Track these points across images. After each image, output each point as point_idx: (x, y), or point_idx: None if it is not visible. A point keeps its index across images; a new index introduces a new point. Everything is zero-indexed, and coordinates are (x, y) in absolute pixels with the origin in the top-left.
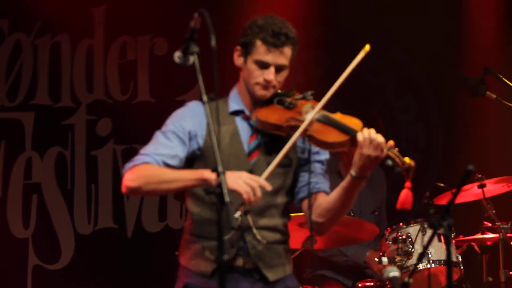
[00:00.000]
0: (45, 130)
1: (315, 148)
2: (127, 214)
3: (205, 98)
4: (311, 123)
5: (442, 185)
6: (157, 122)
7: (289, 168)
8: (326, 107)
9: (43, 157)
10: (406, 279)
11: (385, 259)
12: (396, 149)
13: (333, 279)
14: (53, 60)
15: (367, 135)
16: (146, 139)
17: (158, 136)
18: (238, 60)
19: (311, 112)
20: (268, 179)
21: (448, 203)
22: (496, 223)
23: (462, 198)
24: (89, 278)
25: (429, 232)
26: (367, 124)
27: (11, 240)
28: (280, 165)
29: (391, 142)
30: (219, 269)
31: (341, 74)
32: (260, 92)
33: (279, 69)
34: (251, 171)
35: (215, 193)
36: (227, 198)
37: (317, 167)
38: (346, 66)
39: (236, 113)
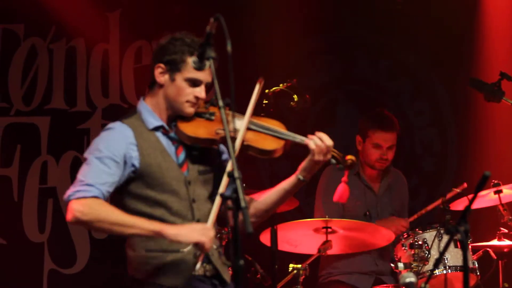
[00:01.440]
0: (61, 134)
1: (225, 149)
2: None
3: (221, 103)
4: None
5: (458, 190)
6: None
7: (214, 174)
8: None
9: (58, 162)
10: (422, 284)
11: (401, 265)
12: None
13: (349, 285)
14: (68, 64)
15: (319, 142)
16: None
17: (94, 162)
18: (161, 77)
19: (237, 121)
20: (203, 186)
21: (465, 209)
22: None
23: (478, 204)
24: (104, 282)
25: (445, 238)
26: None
27: (27, 244)
28: (208, 171)
29: (331, 143)
30: (234, 273)
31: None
32: (189, 109)
33: (206, 86)
34: (189, 182)
35: (231, 199)
36: (243, 203)
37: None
38: (358, 71)
39: (156, 128)
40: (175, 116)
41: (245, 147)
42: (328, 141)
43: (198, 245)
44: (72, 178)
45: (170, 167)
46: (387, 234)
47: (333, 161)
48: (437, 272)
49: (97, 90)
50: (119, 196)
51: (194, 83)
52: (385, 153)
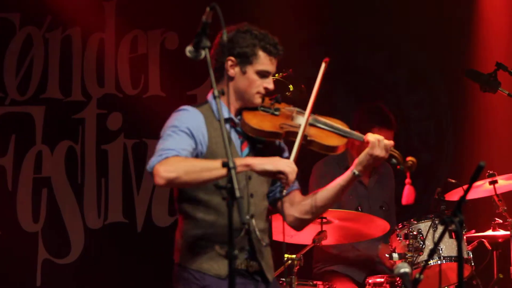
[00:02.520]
0: (56, 124)
1: (280, 149)
2: (137, 208)
3: (216, 92)
4: (306, 129)
5: (453, 181)
6: (167, 116)
7: None
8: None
9: (53, 151)
10: (417, 275)
11: (395, 255)
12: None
13: (344, 275)
14: (64, 54)
15: (378, 138)
16: (156, 134)
17: (171, 135)
18: (231, 70)
19: (300, 117)
20: (261, 184)
21: (460, 199)
22: (508, 220)
23: (473, 194)
24: (99, 272)
25: (440, 228)
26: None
27: (21, 234)
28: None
29: (392, 142)
30: (229, 265)
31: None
32: (258, 100)
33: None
34: (249, 176)
35: (226, 188)
36: (238, 193)
37: None
38: (356, 62)
39: (225, 120)
40: (241, 109)
41: (308, 142)
42: (386, 140)
43: (282, 175)
44: (67, 167)
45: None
46: (382, 224)
47: (394, 161)
48: (431, 262)
49: (92, 79)
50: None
51: (264, 75)
52: None
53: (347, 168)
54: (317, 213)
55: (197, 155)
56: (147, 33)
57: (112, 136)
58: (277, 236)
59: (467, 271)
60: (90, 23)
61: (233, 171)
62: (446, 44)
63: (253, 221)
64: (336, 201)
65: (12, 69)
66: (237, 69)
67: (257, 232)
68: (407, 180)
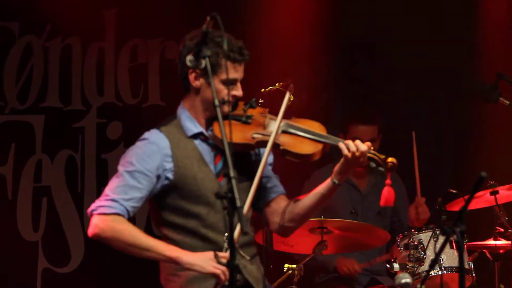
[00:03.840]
0: (56, 133)
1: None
2: (137, 217)
3: (216, 102)
4: (278, 136)
5: (454, 191)
6: None
7: (251, 181)
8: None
9: (53, 160)
10: (418, 285)
11: (396, 266)
12: (372, 148)
13: (345, 284)
14: (63, 63)
15: (353, 146)
16: None
17: (125, 176)
18: (196, 82)
19: (273, 124)
20: (241, 195)
21: (461, 209)
22: (509, 230)
23: (474, 204)
24: (99, 281)
25: (441, 239)
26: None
27: (21, 243)
28: (245, 179)
29: (368, 144)
30: (230, 273)
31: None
32: (226, 108)
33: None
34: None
35: (226, 198)
36: (239, 203)
37: (269, 170)
38: (355, 72)
39: (195, 136)
40: (210, 119)
41: (282, 151)
42: (363, 146)
43: (214, 276)
44: (67, 177)
45: (206, 178)
46: (383, 234)
47: (373, 164)
48: (432, 273)
49: (92, 88)
50: (155, 207)
51: (231, 82)
52: None
53: (348, 181)
54: (300, 221)
55: (164, 186)
56: (147, 42)
57: (112, 145)
58: (277, 246)
59: (468, 282)
60: (90, 32)
61: (233, 180)
62: (446, 54)
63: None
64: (318, 209)
65: (12, 78)
66: (201, 80)
67: (240, 250)
68: (387, 181)
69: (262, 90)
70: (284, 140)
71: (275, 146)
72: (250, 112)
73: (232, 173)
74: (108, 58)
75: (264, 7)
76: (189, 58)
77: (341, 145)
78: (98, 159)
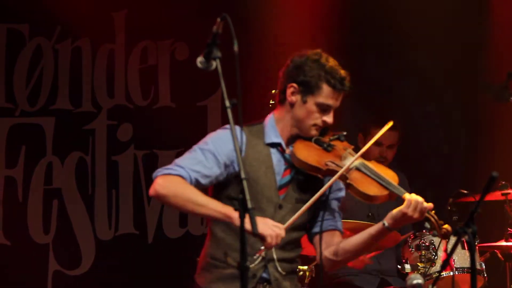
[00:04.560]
0: (66, 135)
1: (334, 186)
2: (148, 219)
3: (227, 103)
4: (349, 170)
5: (465, 192)
6: (178, 127)
7: (313, 205)
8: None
9: (63, 162)
10: (429, 286)
11: (408, 266)
12: (433, 211)
13: (355, 286)
14: (73, 65)
15: (415, 199)
16: (167, 145)
17: (196, 151)
18: (292, 97)
19: (350, 159)
20: (287, 215)
21: (472, 210)
22: None
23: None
24: (110, 283)
25: (452, 239)
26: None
27: (32, 245)
28: (306, 201)
29: (430, 205)
30: (241, 273)
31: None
32: (314, 132)
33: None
34: (280, 206)
35: (238, 200)
36: (250, 205)
37: (334, 204)
38: (365, 72)
39: (273, 144)
40: (295, 137)
41: (347, 184)
42: (424, 204)
43: (261, 237)
44: (77, 179)
45: (267, 185)
46: (393, 235)
47: (427, 225)
48: (444, 274)
49: (102, 90)
50: (213, 197)
51: (324, 108)
52: (385, 151)
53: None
54: (347, 259)
55: (231, 177)
56: (157, 43)
57: (123, 147)
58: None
59: (480, 282)
60: (100, 34)
61: (244, 182)
62: (456, 53)
63: (273, 250)
64: (364, 249)
65: (22, 80)
66: (298, 96)
67: (276, 263)
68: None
69: (273, 91)
70: (354, 176)
71: (343, 178)
72: (335, 143)
73: (243, 174)
74: (118, 60)
75: (273, 8)
76: (199, 59)
77: (406, 196)
78: (108, 161)
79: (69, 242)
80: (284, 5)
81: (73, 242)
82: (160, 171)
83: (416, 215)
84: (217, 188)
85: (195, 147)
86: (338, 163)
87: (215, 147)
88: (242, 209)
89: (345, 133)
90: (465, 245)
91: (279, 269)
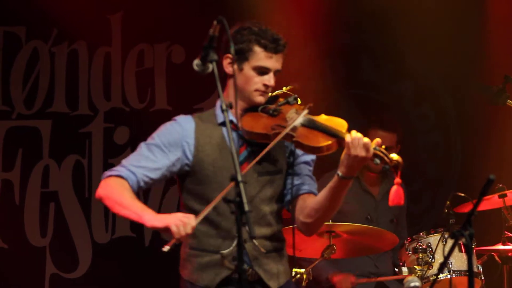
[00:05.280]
0: (63, 138)
1: (300, 151)
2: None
3: (224, 106)
4: (295, 129)
5: (462, 195)
6: None
7: (280, 175)
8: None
9: (60, 165)
10: None
11: (405, 269)
12: (383, 146)
13: None
14: (70, 67)
15: (354, 136)
16: None
17: (142, 148)
18: (229, 68)
19: (296, 118)
20: (262, 187)
21: (469, 212)
22: None
23: (482, 207)
24: (107, 287)
25: (449, 242)
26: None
27: (29, 248)
28: (270, 172)
29: (378, 140)
30: (239, 279)
31: None
32: (258, 98)
33: (274, 74)
34: (244, 183)
35: (234, 202)
36: (247, 207)
37: (303, 169)
38: (362, 75)
39: (223, 123)
40: (246, 110)
41: (294, 142)
42: (367, 139)
43: (166, 230)
44: (74, 182)
45: (225, 166)
46: (391, 238)
47: (377, 160)
48: (441, 276)
49: (99, 93)
50: (179, 190)
51: (263, 71)
52: None
53: (356, 177)
54: (318, 218)
55: (184, 167)
56: (154, 46)
57: (119, 150)
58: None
59: (477, 285)
60: (96, 37)
61: (241, 185)
62: (452, 55)
63: (247, 228)
64: (331, 204)
65: (19, 83)
66: (235, 66)
67: (254, 240)
68: (396, 180)
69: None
70: (299, 133)
71: (289, 137)
72: (285, 108)
73: (240, 177)
74: (114, 63)
75: (269, 11)
76: (196, 62)
77: (347, 136)
78: (105, 164)
79: (66, 245)
80: (279, 7)
81: (70, 245)
82: (105, 173)
83: (362, 153)
84: (179, 182)
85: (141, 143)
86: (283, 125)
87: (160, 140)
88: (239, 212)
89: (295, 95)
90: (462, 248)
91: (258, 247)
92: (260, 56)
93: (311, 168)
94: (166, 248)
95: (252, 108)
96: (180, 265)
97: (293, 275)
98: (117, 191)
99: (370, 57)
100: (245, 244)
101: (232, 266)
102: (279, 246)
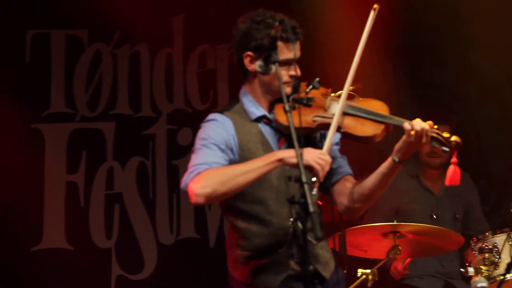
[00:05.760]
0: (126, 140)
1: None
2: (209, 224)
3: (287, 107)
4: (340, 119)
5: None
6: None
7: None
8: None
9: (124, 167)
10: None
11: (471, 270)
12: (435, 126)
13: None
14: (132, 69)
15: (416, 125)
16: None
17: (202, 149)
18: (252, 65)
19: (335, 106)
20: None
21: None
22: None
23: None
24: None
25: None
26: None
27: (94, 250)
28: None
29: (430, 122)
30: (304, 278)
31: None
32: (287, 89)
33: (297, 61)
34: (289, 177)
35: (299, 203)
36: (312, 208)
37: (336, 151)
38: (425, 74)
39: (258, 119)
40: (273, 102)
41: (342, 134)
42: (424, 124)
43: (311, 170)
44: (138, 183)
45: None
46: (457, 238)
47: (435, 144)
48: (508, 276)
49: (161, 95)
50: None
51: (287, 63)
52: (436, 147)
53: (416, 176)
54: (366, 201)
55: (230, 161)
56: (215, 48)
57: (183, 151)
58: (351, 251)
59: None
60: (158, 39)
61: (306, 186)
62: None
63: (299, 223)
64: (381, 188)
65: (82, 85)
66: (257, 63)
67: (307, 235)
68: (453, 159)
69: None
70: (346, 122)
71: (338, 129)
72: (313, 93)
73: (304, 178)
74: (176, 64)
75: (330, 10)
76: (258, 63)
77: (406, 124)
78: (169, 166)
79: (131, 247)
80: (340, 6)
81: (135, 247)
82: (186, 179)
83: (423, 140)
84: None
85: (197, 146)
86: (324, 115)
87: (214, 139)
88: (304, 213)
89: (317, 79)
90: None
91: (311, 239)
92: (283, 51)
93: (338, 148)
94: (315, 191)
95: (279, 99)
96: (230, 266)
97: (358, 275)
98: (225, 170)
99: (433, 57)
100: (300, 238)
101: (295, 266)
102: (323, 233)
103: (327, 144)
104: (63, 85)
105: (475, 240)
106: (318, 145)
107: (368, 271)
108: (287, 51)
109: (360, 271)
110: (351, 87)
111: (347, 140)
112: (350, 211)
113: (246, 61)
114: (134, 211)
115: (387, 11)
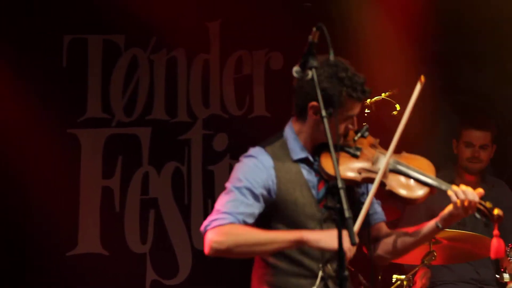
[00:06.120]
0: (162, 145)
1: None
2: None
3: (324, 113)
4: (385, 175)
5: None
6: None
7: (356, 212)
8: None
9: (160, 172)
10: None
11: (506, 276)
12: (481, 193)
13: None
14: (169, 75)
15: (463, 196)
16: None
17: (234, 192)
18: (314, 116)
19: (382, 160)
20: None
21: None
22: None
23: None
24: None
25: None
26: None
27: (129, 255)
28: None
29: (481, 191)
30: (339, 284)
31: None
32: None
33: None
34: (325, 220)
35: (335, 209)
36: (347, 214)
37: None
38: (461, 81)
39: (300, 160)
40: (320, 145)
41: (387, 192)
42: (473, 196)
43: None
44: (174, 189)
45: (307, 204)
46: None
47: (478, 216)
48: None
49: (197, 100)
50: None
51: (349, 118)
52: (477, 151)
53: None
54: (397, 255)
55: (267, 205)
56: (252, 53)
57: (218, 157)
58: None
59: None
60: (195, 44)
61: (341, 191)
62: None
63: (329, 266)
64: (416, 247)
65: (118, 90)
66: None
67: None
68: (495, 232)
69: (368, 100)
70: (391, 180)
71: (382, 184)
72: (360, 142)
73: (340, 183)
74: (213, 69)
75: (370, 17)
76: (295, 69)
77: (450, 192)
78: (204, 171)
79: (166, 252)
80: (377, 13)
81: (170, 252)
82: (208, 225)
83: (467, 207)
84: (256, 219)
85: (230, 186)
86: (371, 169)
87: (249, 182)
88: (340, 219)
89: (366, 126)
90: None
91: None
92: (349, 107)
93: None
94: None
95: (324, 144)
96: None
97: (393, 281)
98: (247, 233)
99: (470, 63)
100: (329, 281)
101: None
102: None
103: (369, 198)
104: (100, 90)
105: (510, 246)
106: (356, 198)
107: (403, 277)
108: (353, 108)
109: (395, 277)
110: (387, 92)
111: (390, 197)
112: (380, 259)
113: (311, 111)
114: (169, 216)
115: (424, 16)
